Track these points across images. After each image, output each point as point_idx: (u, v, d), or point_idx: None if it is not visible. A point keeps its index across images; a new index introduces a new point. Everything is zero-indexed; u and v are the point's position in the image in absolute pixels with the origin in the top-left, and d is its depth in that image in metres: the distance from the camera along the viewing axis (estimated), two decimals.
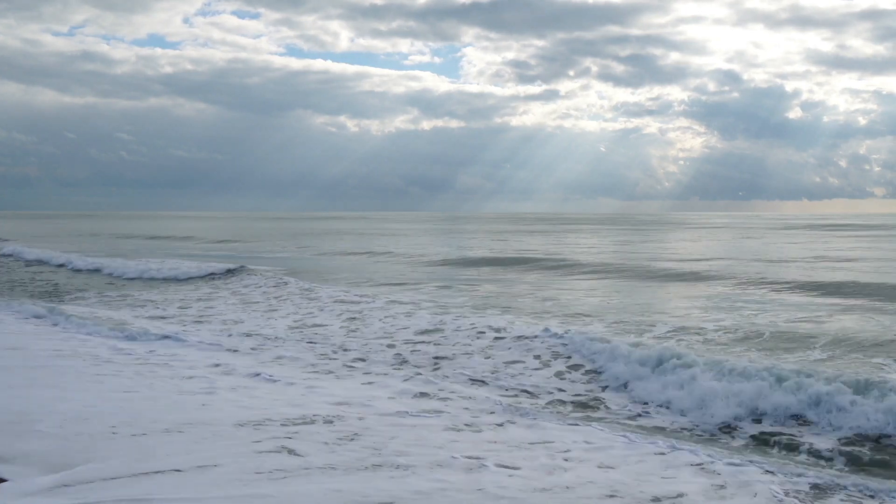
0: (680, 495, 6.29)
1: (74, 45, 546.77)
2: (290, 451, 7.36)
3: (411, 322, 15.45)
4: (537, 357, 12.19)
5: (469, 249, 40.81)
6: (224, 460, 7.08)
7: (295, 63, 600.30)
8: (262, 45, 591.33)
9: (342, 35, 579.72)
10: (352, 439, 7.81)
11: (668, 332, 13.69)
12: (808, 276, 22.31)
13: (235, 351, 13.02)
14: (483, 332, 13.91)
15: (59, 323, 15.73)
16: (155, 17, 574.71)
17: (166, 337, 13.97)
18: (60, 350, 12.63)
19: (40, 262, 33.85)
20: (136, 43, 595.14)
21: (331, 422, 8.49)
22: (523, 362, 12.06)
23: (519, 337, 13.35)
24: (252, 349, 13.29)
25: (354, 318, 16.14)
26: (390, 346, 13.49)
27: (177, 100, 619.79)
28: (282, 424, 8.30)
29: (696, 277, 23.04)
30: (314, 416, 8.72)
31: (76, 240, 56.86)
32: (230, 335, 14.60)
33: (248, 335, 14.69)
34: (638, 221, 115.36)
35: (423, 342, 13.67)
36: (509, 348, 12.83)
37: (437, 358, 12.48)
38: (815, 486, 6.54)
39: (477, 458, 7.27)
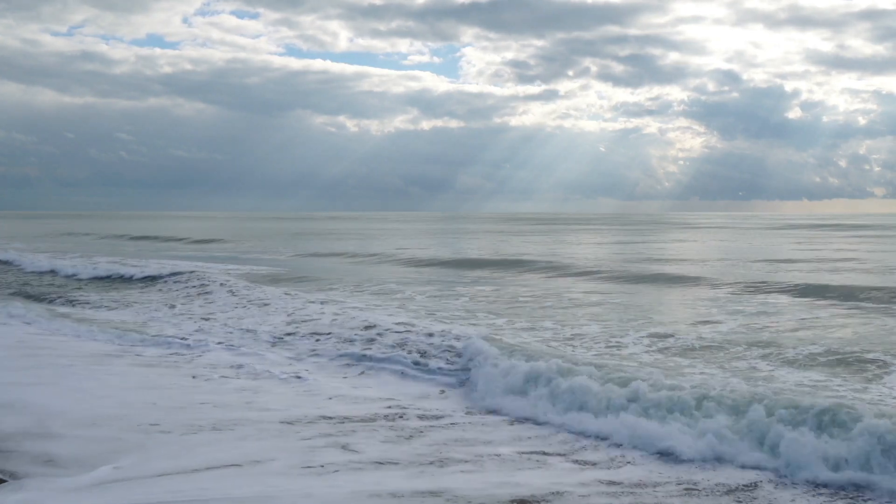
0: (753, 485, 6.17)
1: (74, 45, 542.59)
2: (345, 447, 7.28)
3: (394, 321, 14.85)
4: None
5: (456, 251, 40.22)
6: (279, 455, 6.98)
7: (294, 63, 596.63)
8: (261, 45, 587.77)
9: (341, 35, 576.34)
10: (410, 437, 7.74)
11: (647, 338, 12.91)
12: (793, 278, 21.63)
13: (256, 351, 12.78)
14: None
15: (65, 325, 15.48)
16: (154, 17, 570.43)
17: (185, 338, 13.81)
18: (91, 351, 12.52)
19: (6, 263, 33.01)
20: (135, 43, 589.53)
21: (374, 420, 8.39)
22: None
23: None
24: (271, 348, 13.08)
25: (339, 316, 15.71)
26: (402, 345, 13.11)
27: (176, 100, 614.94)
28: (337, 423, 8.25)
29: (686, 281, 22.37)
30: (361, 414, 8.63)
31: (55, 240, 56.08)
32: (242, 335, 14.31)
33: (251, 331, 14.44)
34: (634, 221, 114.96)
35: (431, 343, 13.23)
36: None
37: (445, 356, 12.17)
38: None
39: (540, 452, 7.17)
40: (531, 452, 7.19)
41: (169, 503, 5.84)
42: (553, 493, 6.00)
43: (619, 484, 6.26)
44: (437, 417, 8.52)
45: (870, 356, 10.66)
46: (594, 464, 6.87)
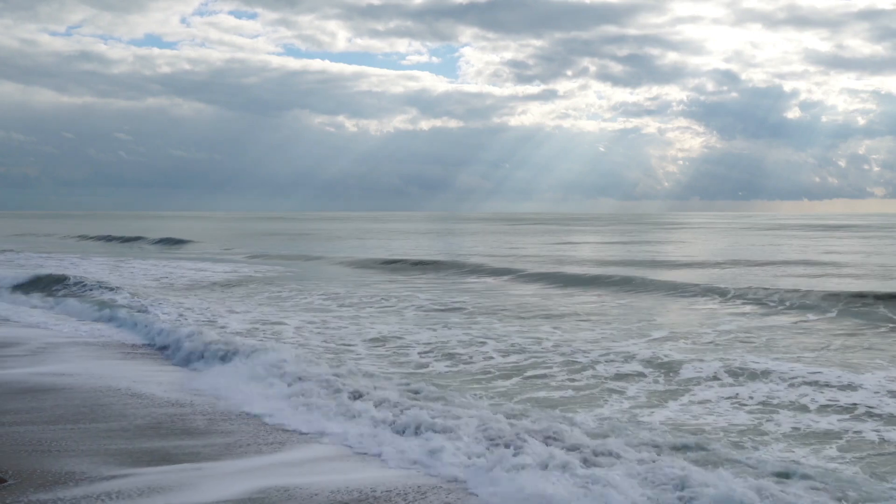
0: None
1: (72, 44, 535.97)
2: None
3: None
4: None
5: (405, 251, 40.23)
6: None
7: (293, 63, 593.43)
8: (259, 44, 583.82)
9: (340, 35, 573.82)
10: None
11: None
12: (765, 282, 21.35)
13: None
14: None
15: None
16: (152, 16, 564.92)
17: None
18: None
19: None
20: (134, 43, 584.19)
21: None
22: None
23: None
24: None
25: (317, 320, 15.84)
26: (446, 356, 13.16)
27: (175, 100, 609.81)
28: None
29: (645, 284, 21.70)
30: None
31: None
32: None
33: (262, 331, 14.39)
34: (627, 222, 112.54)
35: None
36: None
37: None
38: None
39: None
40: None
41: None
42: None
43: None
44: None
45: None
46: None
